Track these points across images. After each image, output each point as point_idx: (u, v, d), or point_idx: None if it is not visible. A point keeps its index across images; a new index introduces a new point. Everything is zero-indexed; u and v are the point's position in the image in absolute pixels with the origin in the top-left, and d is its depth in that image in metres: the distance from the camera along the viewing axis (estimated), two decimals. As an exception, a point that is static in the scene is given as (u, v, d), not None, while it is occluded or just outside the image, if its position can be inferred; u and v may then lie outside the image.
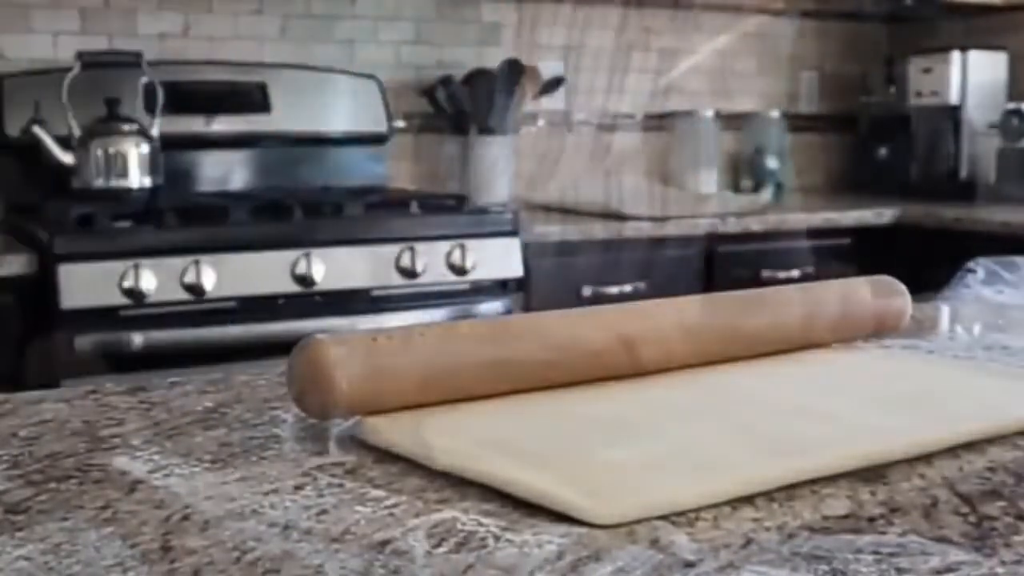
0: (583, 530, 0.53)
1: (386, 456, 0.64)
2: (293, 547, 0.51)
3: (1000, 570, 0.49)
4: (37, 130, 2.22)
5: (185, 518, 0.55)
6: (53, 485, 0.60)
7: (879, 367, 0.85)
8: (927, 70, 3.00)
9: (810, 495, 0.58)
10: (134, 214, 2.04)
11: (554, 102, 2.93)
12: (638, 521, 0.54)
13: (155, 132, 2.32)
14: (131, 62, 2.33)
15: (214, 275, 1.98)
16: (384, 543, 0.51)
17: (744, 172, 3.20)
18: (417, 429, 0.65)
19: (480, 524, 0.54)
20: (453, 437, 0.64)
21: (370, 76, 2.68)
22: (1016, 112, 2.83)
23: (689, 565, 0.49)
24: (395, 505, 0.57)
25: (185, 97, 2.47)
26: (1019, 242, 2.45)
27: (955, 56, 2.98)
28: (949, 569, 0.49)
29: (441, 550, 0.51)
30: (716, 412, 0.71)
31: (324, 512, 0.55)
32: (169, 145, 2.39)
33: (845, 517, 0.55)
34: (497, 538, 0.52)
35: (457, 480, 0.60)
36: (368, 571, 0.48)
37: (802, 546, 0.51)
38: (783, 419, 0.69)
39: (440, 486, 0.59)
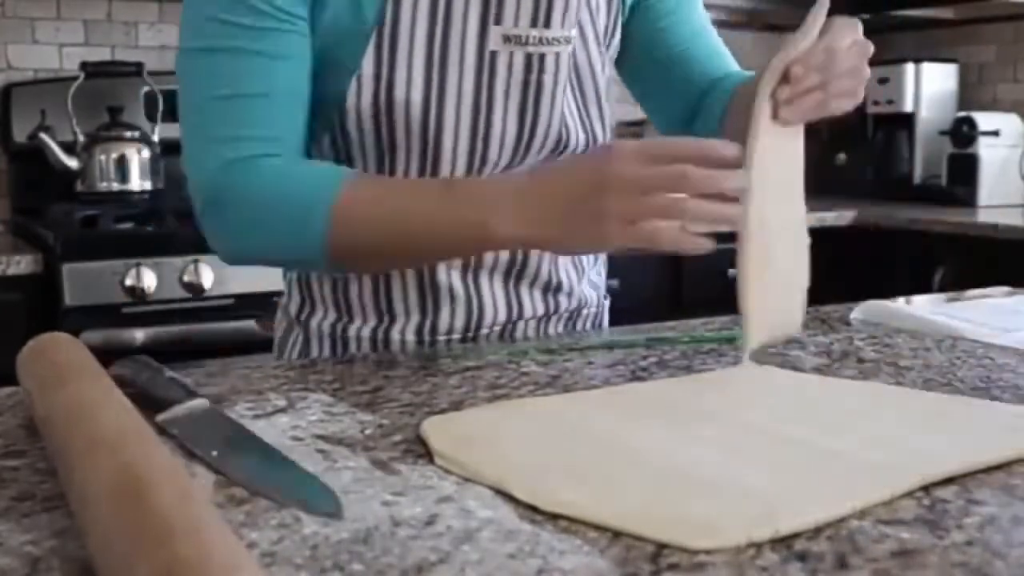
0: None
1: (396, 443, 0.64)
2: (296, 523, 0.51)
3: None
4: (43, 136, 2.21)
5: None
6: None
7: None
8: (883, 80, 3.01)
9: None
10: (136, 216, 2.03)
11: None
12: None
13: (156, 138, 2.31)
14: (133, 72, 2.31)
15: (212, 274, 1.97)
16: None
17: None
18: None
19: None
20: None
21: (360, 85, 2.67)
22: (966, 120, 2.85)
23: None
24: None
25: (184, 105, 2.45)
26: (968, 240, 2.46)
27: (909, 67, 2.99)
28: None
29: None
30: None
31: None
32: (169, 150, 2.36)
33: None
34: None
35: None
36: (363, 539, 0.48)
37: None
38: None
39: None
